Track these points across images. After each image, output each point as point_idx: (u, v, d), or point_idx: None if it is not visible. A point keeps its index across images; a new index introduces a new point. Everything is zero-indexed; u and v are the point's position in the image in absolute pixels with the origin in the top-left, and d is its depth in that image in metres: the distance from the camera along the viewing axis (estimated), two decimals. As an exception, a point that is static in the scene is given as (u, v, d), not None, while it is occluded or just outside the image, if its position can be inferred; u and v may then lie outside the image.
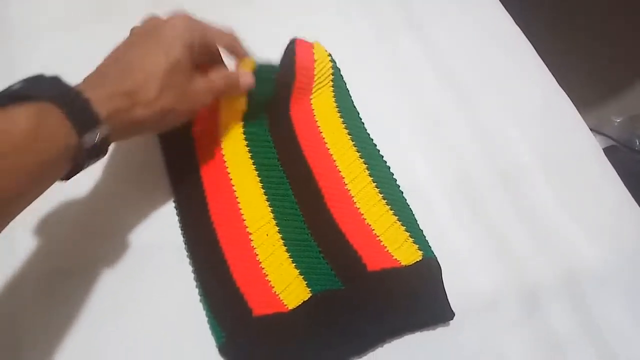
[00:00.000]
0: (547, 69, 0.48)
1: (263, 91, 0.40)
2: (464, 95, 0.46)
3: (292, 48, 0.41)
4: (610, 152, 0.83)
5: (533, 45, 0.50)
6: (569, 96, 0.47)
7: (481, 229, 0.40)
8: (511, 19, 0.52)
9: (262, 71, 0.39)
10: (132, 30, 0.35)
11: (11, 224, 0.37)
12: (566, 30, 1.06)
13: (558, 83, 0.48)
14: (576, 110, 0.47)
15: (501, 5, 0.53)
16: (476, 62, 0.48)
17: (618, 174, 0.45)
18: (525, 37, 0.50)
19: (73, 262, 0.37)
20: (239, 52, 0.38)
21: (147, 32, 0.33)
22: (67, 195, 0.39)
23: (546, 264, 0.39)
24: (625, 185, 0.44)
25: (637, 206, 0.42)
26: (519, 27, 0.51)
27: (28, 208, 0.34)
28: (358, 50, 0.48)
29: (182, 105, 0.33)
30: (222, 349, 0.34)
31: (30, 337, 0.34)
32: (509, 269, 0.39)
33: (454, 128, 0.45)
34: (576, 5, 1.08)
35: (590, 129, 0.49)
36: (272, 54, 0.41)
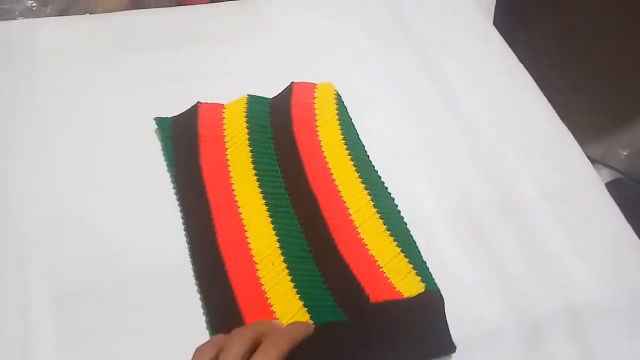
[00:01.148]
0: (548, 102, 0.50)
1: (259, 115, 0.43)
2: (467, 128, 0.48)
3: (289, 88, 0.46)
4: (616, 185, 0.84)
5: (539, 82, 0.52)
6: (575, 130, 0.48)
7: (484, 260, 0.41)
8: (514, 55, 0.54)
9: (254, 101, 0.42)
10: None
11: (23, 245, 0.39)
12: (572, 67, 1.07)
13: (564, 117, 0.49)
14: (577, 144, 0.48)
15: (505, 42, 0.56)
16: (481, 95, 0.50)
17: (624, 206, 0.45)
18: (527, 72, 0.52)
19: (83, 286, 0.38)
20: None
21: None
22: (78, 218, 0.41)
23: (548, 297, 0.40)
24: (631, 218, 0.44)
25: (637, 239, 0.43)
26: (524, 65, 0.53)
27: (40, 230, 0.36)
28: (367, 84, 0.50)
29: None
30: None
31: (42, 355, 0.35)
32: (512, 301, 0.39)
33: (457, 159, 0.46)
34: (581, 42, 1.10)
35: (597, 162, 0.50)
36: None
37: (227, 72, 0.50)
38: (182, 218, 0.41)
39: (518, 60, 0.53)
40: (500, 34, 0.57)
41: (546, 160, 0.46)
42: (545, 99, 0.50)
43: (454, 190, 0.44)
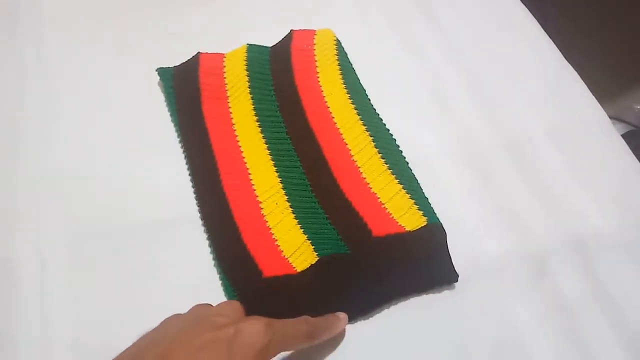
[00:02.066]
0: (553, 44, 0.49)
1: (259, 63, 0.44)
2: (471, 71, 0.47)
3: (289, 35, 0.46)
4: (630, 136, 0.82)
5: (551, 37, 0.50)
6: (588, 85, 0.47)
7: (488, 196, 0.41)
8: (520, 2, 0.53)
9: (254, 50, 0.43)
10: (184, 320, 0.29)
11: (39, 194, 0.40)
12: (585, 25, 1.05)
13: (578, 72, 0.48)
14: (584, 84, 0.47)
15: None
16: (484, 40, 0.50)
17: (639, 156, 0.45)
18: (532, 16, 0.51)
19: (95, 231, 0.39)
20: (320, 338, 0.32)
21: (215, 331, 0.27)
22: (88, 168, 0.42)
23: (554, 230, 0.39)
24: None
25: (645, 172, 0.42)
26: (537, 18, 0.52)
27: (53, 181, 0.37)
28: (367, 33, 0.50)
29: None
30: (233, 308, 0.36)
31: (56, 300, 0.36)
32: (517, 235, 0.39)
33: (461, 102, 0.46)
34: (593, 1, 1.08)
35: (611, 117, 0.49)
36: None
37: (228, 28, 0.50)
38: (187, 165, 0.42)
39: (524, 7, 0.52)
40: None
41: (552, 101, 0.46)
42: (550, 41, 0.50)
43: (458, 132, 0.44)
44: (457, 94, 0.46)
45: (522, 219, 0.40)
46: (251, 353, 0.26)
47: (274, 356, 0.28)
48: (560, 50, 0.49)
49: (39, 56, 0.48)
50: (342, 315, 0.35)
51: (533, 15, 0.52)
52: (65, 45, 0.49)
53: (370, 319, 0.36)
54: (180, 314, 0.29)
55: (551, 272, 0.38)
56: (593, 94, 0.47)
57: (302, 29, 0.48)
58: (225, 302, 0.30)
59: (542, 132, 0.44)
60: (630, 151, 0.43)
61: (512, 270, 0.38)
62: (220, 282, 0.37)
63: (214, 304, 0.31)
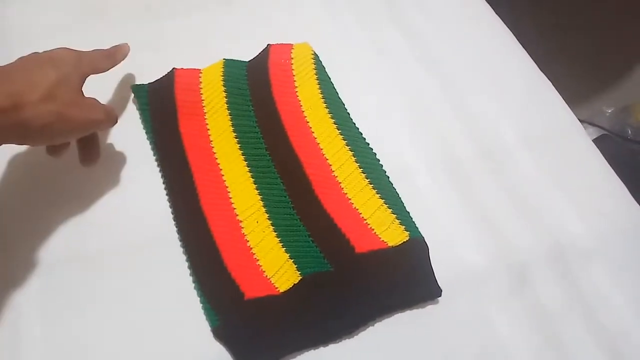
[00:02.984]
0: (526, 53, 0.50)
1: (236, 79, 0.44)
2: (446, 81, 0.48)
3: (266, 50, 0.46)
4: (602, 141, 0.84)
5: (523, 45, 0.51)
6: (560, 91, 0.48)
7: (468, 207, 0.41)
8: (491, 9, 0.53)
9: (231, 65, 0.44)
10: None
11: (8, 217, 0.39)
12: (554, 28, 1.07)
13: (549, 79, 0.49)
14: (556, 91, 0.48)
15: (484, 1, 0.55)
16: (459, 50, 0.50)
17: (610, 162, 0.46)
18: (505, 26, 0.52)
19: (69, 253, 0.38)
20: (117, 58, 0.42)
21: (38, 55, 0.36)
22: (61, 189, 0.41)
23: (533, 240, 0.40)
24: (617, 171, 0.44)
25: (619, 181, 0.43)
26: (509, 28, 0.52)
27: (24, 202, 0.36)
28: (343, 43, 0.50)
29: (72, 112, 0.35)
30: (216, 331, 0.35)
31: (30, 322, 0.35)
32: (497, 245, 0.40)
33: (437, 113, 0.46)
34: (561, 3, 1.10)
35: (583, 121, 0.50)
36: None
37: (203, 42, 0.50)
38: (164, 184, 0.41)
39: (495, 15, 0.53)
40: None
41: (526, 109, 0.47)
42: (522, 50, 0.50)
43: (435, 142, 0.45)
44: (433, 105, 0.47)
45: (501, 228, 0.40)
46: (70, 62, 0.36)
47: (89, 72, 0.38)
48: (531, 55, 0.50)
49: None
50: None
51: (505, 21, 0.53)
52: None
53: (356, 336, 0.36)
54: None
55: (531, 281, 0.38)
56: (564, 99, 0.48)
57: (279, 43, 0.47)
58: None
59: (518, 140, 0.45)
60: (602, 157, 0.44)
61: (493, 280, 0.38)
62: (201, 305, 0.36)
63: (195, 326, 0.33)
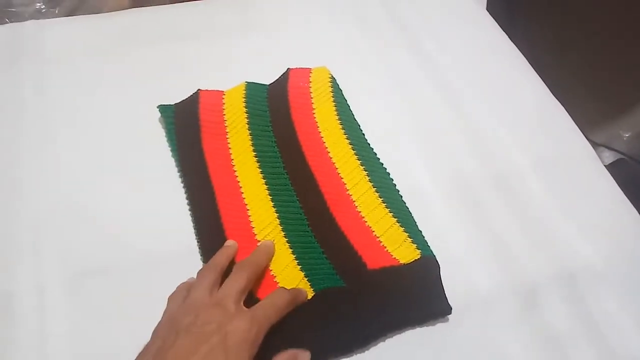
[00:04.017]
0: (539, 77, 0.51)
1: (257, 101, 0.46)
2: (459, 105, 0.49)
3: (285, 73, 0.48)
4: (618, 165, 0.84)
5: (541, 69, 0.53)
6: (578, 114, 0.49)
7: (478, 229, 0.42)
8: (504, 35, 0.55)
9: (253, 87, 0.45)
10: (179, 317, 0.32)
11: (38, 230, 0.40)
12: (571, 52, 1.08)
13: (567, 102, 0.50)
14: (568, 115, 0.49)
15: (496, 25, 0.57)
16: (472, 74, 0.52)
17: (627, 185, 0.46)
18: (517, 50, 0.53)
19: (94, 266, 0.40)
20: (299, 300, 0.36)
21: (204, 330, 0.31)
22: (88, 204, 0.43)
23: (543, 262, 0.41)
24: (633, 196, 0.45)
25: (630, 205, 0.43)
26: (524, 53, 0.54)
27: (53, 216, 0.38)
28: (360, 68, 0.52)
29: None
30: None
31: (55, 334, 0.37)
32: (506, 268, 0.40)
33: (450, 135, 0.47)
34: (579, 26, 1.11)
35: (600, 144, 0.51)
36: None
37: (226, 65, 0.52)
38: (187, 200, 0.43)
39: (509, 40, 0.54)
40: (494, 18, 0.59)
41: (537, 133, 0.48)
42: (536, 75, 0.52)
43: (447, 164, 0.46)
44: (446, 129, 0.48)
45: (512, 251, 0.41)
46: (245, 348, 0.31)
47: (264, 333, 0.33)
48: (550, 79, 0.51)
49: (39, 89, 0.49)
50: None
51: (521, 47, 0.54)
52: (66, 78, 0.50)
53: (367, 351, 0.36)
54: (166, 323, 0.33)
55: (540, 304, 0.39)
56: (582, 122, 0.49)
57: (298, 67, 0.49)
58: (203, 304, 0.33)
59: (529, 164, 0.46)
60: (614, 182, 0.45)
61: (502, 302, 0.39)
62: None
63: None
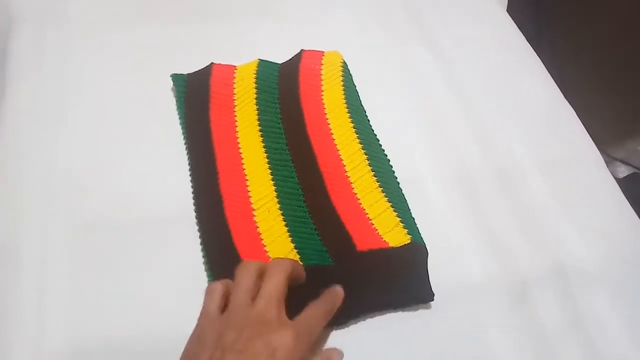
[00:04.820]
0: (551, 77, 0.51)
1: (268, 78, 0.46)
2: (468, 100, 0.49)
3: (299, 54, 0.49)
4: (632, 179, 0.83)
5: (562, 84, 0.52)
6: (599, 129, 0.49)
7: (475, 221, 0.42)
8: (520, 34, 0.55)
9: (265, 65, 0.46)
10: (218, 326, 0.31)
11: (48, 187, 0.42)
12: (596, 67, 1.06)
13: (587, 119, 0.49)
14: (577, 118, 0.48)
15: (514, 25, 0.57)
16: (484, 72, 0.52)
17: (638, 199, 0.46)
18: (531, 48, 0.53)
19: (98, 221, 0.41)
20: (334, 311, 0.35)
21: (255, 343, 0.30)
22: (97, 164, 0.44)
23: (536, 259, 0.40)
24: None
25: (631, 210, 0.43)
26: (548, 70, 0.53)
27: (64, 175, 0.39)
28: (372, 57, 0.52)
29: None
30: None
31: (56, 284, 0.38)
32: (499, 261, 0.40)
33: (455, 129, 0.48)
34: (600, 44, 1.09)
35: (617, 159, 0.50)
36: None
37: (239, 48, 0.53)
38: (189, 165, 0.44)
39: (526, 41, 0.54)
40: (516, 22, 0.58)
41: (545, 133, 0.47)
42: (549, 78, 0.51)
43: (449, 156, 0.46)
44: (452, 122, 0.48)
45: (506, 245, 0.41)
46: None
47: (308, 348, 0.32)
48: (571, 92, 0.51)
49: (61, 57, 0.51)
50: (338, 288, 0.35)
51: (543, 56, 0.54)
52: (85, 47, 0.52)
53: (346, 328, 0.37)
54: (208, 333, 0.31)
55: (530, 299, 0.39)
56: (602, 136, 0.48)
57: (311, 49, 0.50)
58: (246, 317, 0.31)
59: (533, 163, 0.46)
60: (616, 185, 0.44)
61: (492, 294, 0.39)
62: (208, 280, 0.38)
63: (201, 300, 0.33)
